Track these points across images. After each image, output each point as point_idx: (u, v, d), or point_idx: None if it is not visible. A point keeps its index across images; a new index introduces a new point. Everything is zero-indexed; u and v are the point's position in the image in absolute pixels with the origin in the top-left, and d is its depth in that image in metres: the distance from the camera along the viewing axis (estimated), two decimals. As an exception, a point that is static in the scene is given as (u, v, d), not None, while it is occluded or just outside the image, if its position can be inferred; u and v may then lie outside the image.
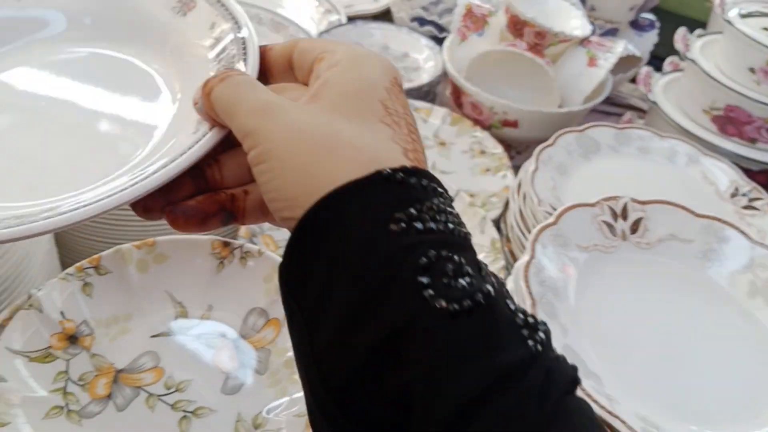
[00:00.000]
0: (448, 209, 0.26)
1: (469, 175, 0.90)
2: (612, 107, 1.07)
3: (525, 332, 0.24)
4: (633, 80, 1.14)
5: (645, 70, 0.95)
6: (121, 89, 0.37)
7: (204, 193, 0.30)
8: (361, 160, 0.25)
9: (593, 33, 0.94)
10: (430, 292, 0.23)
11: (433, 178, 0.27)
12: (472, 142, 0.94)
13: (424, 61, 1.10)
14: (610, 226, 0.60)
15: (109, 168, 0.32)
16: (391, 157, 0.26)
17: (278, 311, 0.52)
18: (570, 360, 0.48)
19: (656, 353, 0.53)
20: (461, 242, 0.26)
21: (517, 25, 0.93)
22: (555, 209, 0.73)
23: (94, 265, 0.51)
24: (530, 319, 0.24)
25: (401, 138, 0.27)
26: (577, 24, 0.95)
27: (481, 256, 0.68)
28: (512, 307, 0.25)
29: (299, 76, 0.31)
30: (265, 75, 0.32)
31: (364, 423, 0.23)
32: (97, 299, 0.51)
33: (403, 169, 0.25)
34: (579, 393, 0.26)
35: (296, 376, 0.48)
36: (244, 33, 0.34)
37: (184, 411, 0.47)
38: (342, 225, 0.24)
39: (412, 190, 0.25)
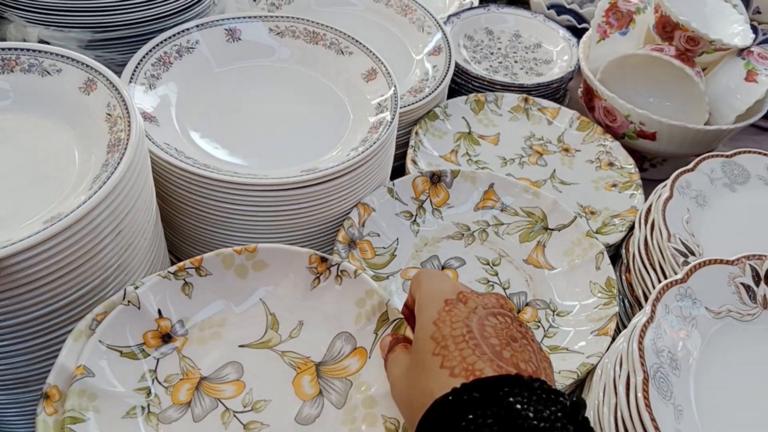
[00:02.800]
0: (506, 403, 0.32)
1: (591, 189, 0.82)
2: (767, 122, 0.95)
3: None
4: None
5: (814, 88, 0.83)
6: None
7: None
8: (425, 401, 0.35)
9: (755, 41, 0.83)
10: None
11: (480, 387, 0.33)
12: (599, 151, 0.87)
13: (557, 54, 1.02)
14: (749, 289, 0.53)
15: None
16: (440, 386, 0.35)
17: (366, 340, 0.50)
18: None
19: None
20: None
21: (666, 27, 0.83)
22: (686, 247, 0.66)
23: (196, 266, 0.51)
24: None
25: (447, 359, 0.36)
26: (737, 30, 0.83)
27: (593, 299, 0.63)
28: None
29: None
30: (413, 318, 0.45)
31: None
32: (195, 300, 0.51)
33: (449, 392, 0.34)
34: None
35: (374, 415, 0.46)
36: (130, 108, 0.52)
37: None
38: None
39: (463, 405, 0.33)
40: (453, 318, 0.39)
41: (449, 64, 0.86)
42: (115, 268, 0.51)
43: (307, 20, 0.74)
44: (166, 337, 0.49)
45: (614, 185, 0.83)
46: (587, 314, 0.60)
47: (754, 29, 0.86)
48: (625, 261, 0.74)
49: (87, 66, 0.54)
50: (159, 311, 0.49)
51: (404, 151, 0.81)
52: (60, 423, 0.41)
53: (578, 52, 0.94)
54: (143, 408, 0.45)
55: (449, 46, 0.89)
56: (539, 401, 0.32)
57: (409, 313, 0.48)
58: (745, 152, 0.75)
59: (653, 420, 0.43)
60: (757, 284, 0.53)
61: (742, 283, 0.53)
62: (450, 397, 0.34)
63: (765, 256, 0.53)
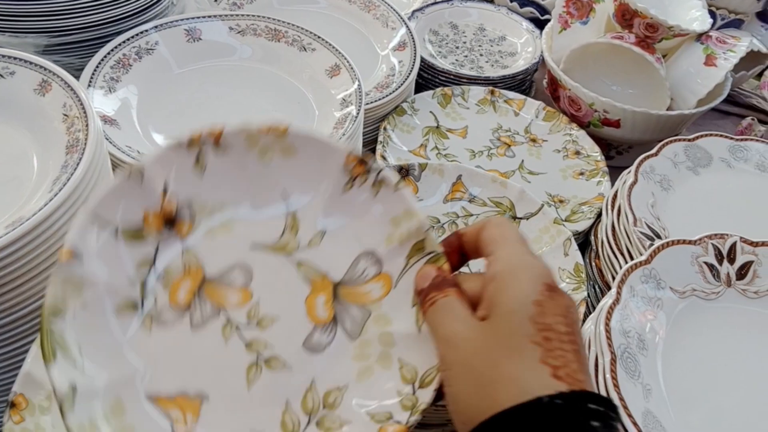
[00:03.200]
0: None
1: (559, 178, 0.83)
2: (731, 106, 0.96)
3: None
4: (759, 76, 1.02)
5: (772, 70, 0.85)
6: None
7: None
8: (513, 391, 0.31)
9: (713, 26, 0.84)
10: None
11: (583, 397, 0.31)
12: (566, 140, 0.87)
13: (522, 46, 1.03)
14: (712, 268, 0.53)
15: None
16: (539, 383, 0.31)
17: (394, 267, 0.42)
18: (650, 429, 0.43)
19: (755, 428, 0.46)
20: None
21: (626, 15, 0.84)
22: (652, 230, 0.67)
23: (214, 139, 0.40)
24: None
25: (551, 356, 0.32)
26: (695, 15, 0.85)
27: (562, 285, 0.63)
28: None
29: (484, 256, 0.38)
30: (458, 253, 0.40)
31: None
32: (208, 179, 0.41)
33: (554, 395, 0.30)
34: None
35: (389, 356, 0.40)
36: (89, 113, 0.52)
37: (258, 355, 0.40)
38: None
39: (558, 415, 0.30)
40: (555, 308, 0.34)
41: (415, 59, 0.87)
42: (79, 273, 0.50)
43: (268, 18, 0.73)
44: (170, 221, 0.40)
45: (581, 173, 0.84)
46: (557, 300, 0.61)
47: (712, 14, 0.88)
48: (594, 247, 0.75)
49: (40, 67, 0.54)
50: (164, 186, 0.39)
51: (373, 147, 0.81)
52: (42, 320, 0.33)
53: (541, 43, 0.95)
54: (135, 304, 0.38)
55: (414, 41, 0.89)
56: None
57: (456, 250, 0.40)
58: (706, 135, 0.76)
59: (621, 399, 0.44)
60: (720, 263, 0.54)
61: (706, 263, 0.53)
62: (558, 401, 0.30)
63: (727, 234, 0.54)
